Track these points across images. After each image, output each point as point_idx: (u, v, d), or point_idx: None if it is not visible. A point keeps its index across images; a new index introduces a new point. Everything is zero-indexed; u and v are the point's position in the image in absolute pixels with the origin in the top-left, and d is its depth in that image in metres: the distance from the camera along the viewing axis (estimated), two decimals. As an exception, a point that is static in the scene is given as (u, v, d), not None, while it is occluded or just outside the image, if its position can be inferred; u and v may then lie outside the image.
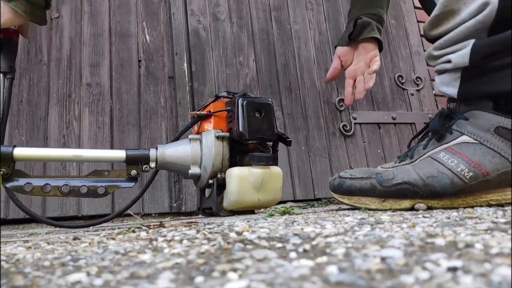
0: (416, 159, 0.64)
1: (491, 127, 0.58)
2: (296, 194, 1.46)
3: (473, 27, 0.59)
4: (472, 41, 0.59)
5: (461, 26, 0.60)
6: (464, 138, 0.60)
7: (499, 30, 0.57)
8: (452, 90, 0.63)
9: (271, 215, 0.68)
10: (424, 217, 0.48)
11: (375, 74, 0.95)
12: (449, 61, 0.63)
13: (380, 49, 0.97)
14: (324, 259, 0.27)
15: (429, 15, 0.67)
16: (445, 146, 0.61)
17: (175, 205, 1.30)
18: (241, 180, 0.80)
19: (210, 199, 0.89)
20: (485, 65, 0.59)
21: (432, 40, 0.68)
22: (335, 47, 1.00)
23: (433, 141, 0.64)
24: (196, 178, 0.88)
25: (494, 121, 0.58)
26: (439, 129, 0.62)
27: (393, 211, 0.61)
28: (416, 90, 1.80)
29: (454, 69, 0.62)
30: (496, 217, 0.42)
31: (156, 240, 0.40)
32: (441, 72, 0.66)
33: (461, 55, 0.60)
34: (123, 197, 1.24)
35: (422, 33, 1.91)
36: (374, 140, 1.65)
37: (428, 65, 1.86)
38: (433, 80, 1.85)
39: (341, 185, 0.69)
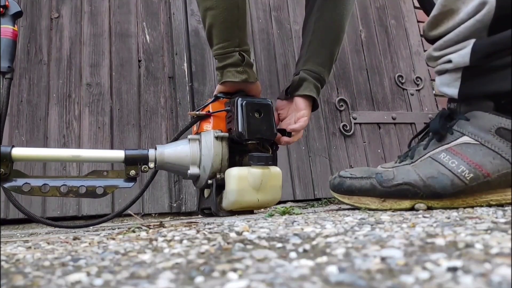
0: (417, 160, 0.64)
1: (492, 128, 0.58)
2: (296, 194, 1.46)
3: (473, 26, 0.58)
4: (472, 41, 0.59)
5: (460, 26, 0.60)
6: (465, 138, 0.60)
7: (498, 29, 0.57)
8: (453, 90, 0.63)
9: (271, 215, 0.68)
10: (424, 217, 0.48)
11: (299, 133, 0.95)
12: (449, 61, 0.62)
13: (315, 107, 0.96)
14: (324, 259, 0.27)
15: (428, 15, 0.67)
16: (445, 146, 0.61)
17: (175, 205, 1.30)
18: (240, 180, 0.80)
19: (209, 200, 0.88)
20: (485, 64, 0.59)
21: (432, 41, 0.67)
22: (277, 99, 1.01)
23: (433, 141, 0.63)
24: (195, 178, 0.88)
25: (495, 122, 0.57)
26: (439, 129, 0.62)
27: (393, 211, 0.61)
28: (416, 90, 1.80)
29: (455, 69, 0.62)
30: (496, 217, 0.42)
31: (156, 240, 0.40)
32: (441, 72, 0.66)
33: (462, 54, 0.60)
34: (123, 197, 1.24)
35: (422, 33, 1.91)
36: (374, 140, 1.65)
37: (429, 65, 1.86)
38: (433, 80, 1.85)
39: (341, 185, 0.69)
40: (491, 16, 0.57)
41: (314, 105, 0.96)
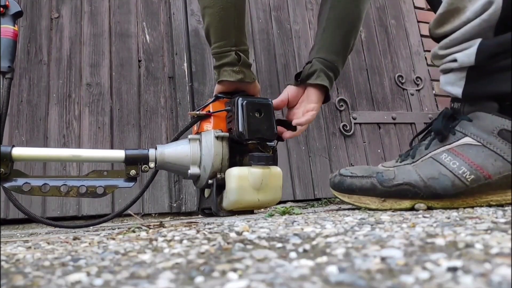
0: (418, 159, 0.63)
1: (495, 130, 0.57)
2: (296, 194, 1.46)
3: (479, 26, 0.58)
4: (478, 40, 0.59)
5: (467, 25, 0.59)
6: (467, 139, 0.59)
7: (504, 29, 0.57)
8: (457, 89, 0.62)
9: (271, 215, 0.68)
10: (424, 217, 0.48)
11: (303, 127, 0.91)
12: (455, 60, 0.62)
13: (327, 99, 0.93)
14: (324, 259, 0.27)
15: (435, 13, 0.66)
16: (447, 147, 0.61)
17: (175, 205, 1.30)
18: (240, 180, 0.80)
19: (209, 199, 0.88)
20: (491, 65, 0.58)
21: (438, 39, 0.67)
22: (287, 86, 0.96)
23: (435, 141, 0.63)
24: (196, 178, 0.88)
25: (497, 124, 0.57)
26: (442, 129, 0.62)
27: (393, 211, 0.61)
28: (416, 90, 1.80)
29: (460, 68, 0.61)
30: (496, 217, 0.42)
31: (156, 240, 0.40)
32: (446, 71, 0.65)
33: (467, 54, 0.59)
34: (123, 197, 1.24)
35: (422, 33, 1.91)
36: (374, 140, 1.65)
37: (429, 65, 1.86)
38: (433, 80, 1.84)
39: (342, 183, 0.69)
40: (498, 16, 0.56)
41: (326, 96, 0.92)
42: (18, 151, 0.76)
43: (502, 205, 0.58)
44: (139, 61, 1.42)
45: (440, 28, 0.65)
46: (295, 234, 0.38)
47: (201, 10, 0.86)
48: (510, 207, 0.53)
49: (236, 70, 0.85)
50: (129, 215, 1.18)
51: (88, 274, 0.26)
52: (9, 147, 0.75)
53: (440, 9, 0.63)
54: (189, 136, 0.88)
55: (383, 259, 0.25)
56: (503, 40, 0.57)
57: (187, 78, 1.42)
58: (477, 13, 0.58)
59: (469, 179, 0.58)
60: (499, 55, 0.57)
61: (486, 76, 0.59)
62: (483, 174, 0.57)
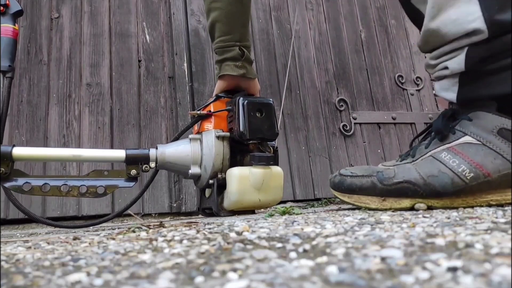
0: (418, 158, 0.64)
1: (494, 129, 0.57)
2: (296, 194, 1.46)
3: (464, 43, 0.60)
4: (466, 47, 0.60)
5: (452, 43, 0.61)
6: (466, 138, 0.60)
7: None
8: (451, 95, 0.64)
9: (271, 215, 0.68)
10: (424, 217, 0.48)
11: None
12: (446, 68, 0.63)
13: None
14: (324, 259, 0.27)
15: (419, 29, 0.68)
16: (447, 146, 0.61)
17: (175, 205, 1.30)
18: (241, 180, 0.80)
19: (210, 199, 0.88)
20: (481, 68, 0.59)
21: (427, 52, 0.69)
22: None
23: (435, 141, 0.63)
24: (196, 178, 0.88)
25: (497, 123, 0.57)
26: (442, 129, 0.62)
27: (393, 211, 0.61)
28: (416, 90, 1.80)
29: (452, 74, 0.63)
30: (496, 217, 0.42)
31: (156, 240, 0.40)
32: (440, 78, 0.66)
33: (457, 61, 0.61)
34: (123, 197, 1.24)
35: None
36: (374, 140, 1.65)
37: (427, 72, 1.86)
38: (434, 80, 1.84)
39: (342, 183, 0.69)
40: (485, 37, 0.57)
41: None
42: (18, 151, 0.76)
43: (502, 205, 0.58)
44: (139, 61, 1.42)
45: (427, 46, 0.66)
46: (295, 234, 0.38)
47: (207, 5, 0.87)
48: (510, 207, 0.53)
49: (238, 65, 0.86)
50: (129, 215, 1.18)
51: (88, 274, 0.26)
52: (10, 147, 0.75)
53: (422, 31, 0.65)
54: (190, 136, 0.88)
55: (383, 259, 0.25)
56: (491, 44, 0.57)
57: (187, 78, 1.42)
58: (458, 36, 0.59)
59: (468, 177, 0.58)
60: (489, 59, 0.58)
61: (478, 80, 0.60)
62: (482, 172, 0.57)
